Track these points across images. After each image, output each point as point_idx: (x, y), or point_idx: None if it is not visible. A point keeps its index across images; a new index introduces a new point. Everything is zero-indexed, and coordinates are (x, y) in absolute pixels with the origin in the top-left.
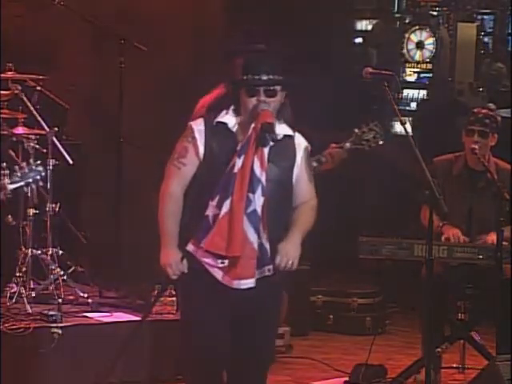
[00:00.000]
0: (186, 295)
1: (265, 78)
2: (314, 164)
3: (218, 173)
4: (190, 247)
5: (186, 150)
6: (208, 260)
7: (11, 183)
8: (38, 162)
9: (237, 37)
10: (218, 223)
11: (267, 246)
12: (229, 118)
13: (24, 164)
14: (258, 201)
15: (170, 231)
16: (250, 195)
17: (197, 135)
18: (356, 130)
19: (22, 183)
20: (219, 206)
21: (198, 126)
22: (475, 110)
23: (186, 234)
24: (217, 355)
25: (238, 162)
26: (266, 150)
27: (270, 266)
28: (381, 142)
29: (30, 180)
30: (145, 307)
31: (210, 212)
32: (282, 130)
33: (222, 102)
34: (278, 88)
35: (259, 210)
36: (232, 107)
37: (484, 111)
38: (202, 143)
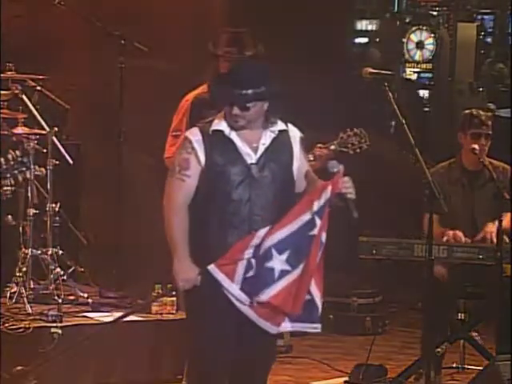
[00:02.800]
0: (195, 307)
1: (237, 93)
2: None
3: (221, 182)
4: (218, 274)
5: (188, 162)
6: (238, 294)
7: None
8: (24, 154)
9: (222, 38)
10: (291, 282)
11: (319, 304)
12: (223, 125)
13: (10, 156)
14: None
15: (182, 244)
16: (318, 259)
17: (196, 146)
18: (341, 134)
19: (7, 175)
20: (290, 264)
21: (195, 137)
22: (474, 113)
23: (195, 247)
24: (223, 363)
25: (317, 226)
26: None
27: (318, 325)
28: (365, 147)
29: (16, 172)
30: (149, 310)
31: (275, 265)
32: (275, 126)
33: (205, 97)
34: (252, 104)
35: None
36: (223, 115)
37: (483, 113)
38: (203, 153)
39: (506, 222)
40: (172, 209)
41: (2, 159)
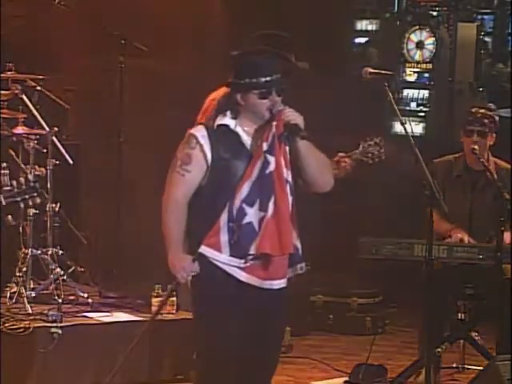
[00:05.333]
0: (202, 297)
1: (275, 77)
2: None
3: (230, 175)
4: (208, 251)
5: (190, 157)
6: (229, 260)
7: (6, 198)
8: (36, 180)
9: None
10: (266, 225)
11: (298, 244)
12: (228, 121)
13: (22, 179)
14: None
15: (178, 238)
16: (288, 196)
17: (202, 141)
18: (362, 143)
19: (17, 199)
20: (264, 209)
21: (200, 132)
22: (473, 110)
23: (198, 238)
24: (234, 356)
25: (271, 162)
26: (287, 149)
27: (303, 264)
28: (383, 157)
29: (27, 197)
30: (149, 310)
31: (252, 218)
32: None
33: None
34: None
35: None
36: (229, 111)
37: (482, 111)
38: (209, 149)
39: (506, 240)
40: (169, 203)
41: (14, 182)
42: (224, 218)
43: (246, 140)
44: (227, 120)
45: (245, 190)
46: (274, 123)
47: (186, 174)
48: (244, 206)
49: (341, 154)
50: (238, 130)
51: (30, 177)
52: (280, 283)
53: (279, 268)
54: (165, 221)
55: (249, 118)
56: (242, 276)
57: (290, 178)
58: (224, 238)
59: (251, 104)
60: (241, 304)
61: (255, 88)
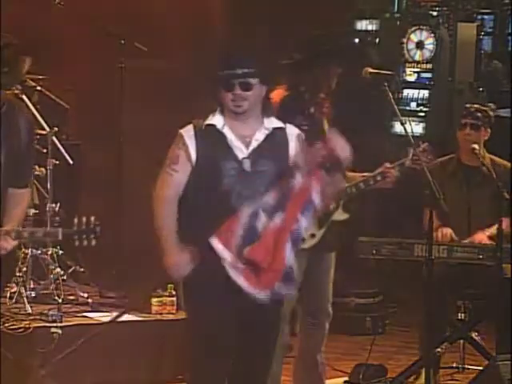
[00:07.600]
0: (194, 294)
1: (239, 71)
2: (371, 182)
3: (214, 175)
4: (218, 245)
5: (178, 157)
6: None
7: (64, 234)
8: (98, 223)
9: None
10: (266, 235)
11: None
12: (217, 119)
13: (84, 219)
14: (304, 222)
15: (172, 234)
16: (299, 215)
17: (187, 141)
18: (411, 150)
19: (75, 237)
20: (270, 217)
21: (188, 132)
22: (467, 105)
23: (181, 237)
24: (225, 354)
25: (299, 180)
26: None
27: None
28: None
29: (84, 236)
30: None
31: (259, 223)
32: (271, 123)
33: (289, 103)
34: (254, 81)
35: (303, 231)
36: (218, 108)
37: (476, 106)
38: (194, 149)
39: (505, 227)
40: (158, 201)
41: (76, 220)
42: (238, 217)
43: (233, 140)
44: (215, 119)
45: (266, 198)
46: (320, 147)
47: (173, 174)
48: (259, 211)
49: (387, 165)
50: (225, 130)
51: (92, 219)
52: (267, 294)
53: (270, 280)
54: (157, 218)
55: (231, 117)
56: (239, 278)
57: (316, 202)
58: (232, 236)
59: (222, 98)
60: (231, 305)
61: (220, 82)
